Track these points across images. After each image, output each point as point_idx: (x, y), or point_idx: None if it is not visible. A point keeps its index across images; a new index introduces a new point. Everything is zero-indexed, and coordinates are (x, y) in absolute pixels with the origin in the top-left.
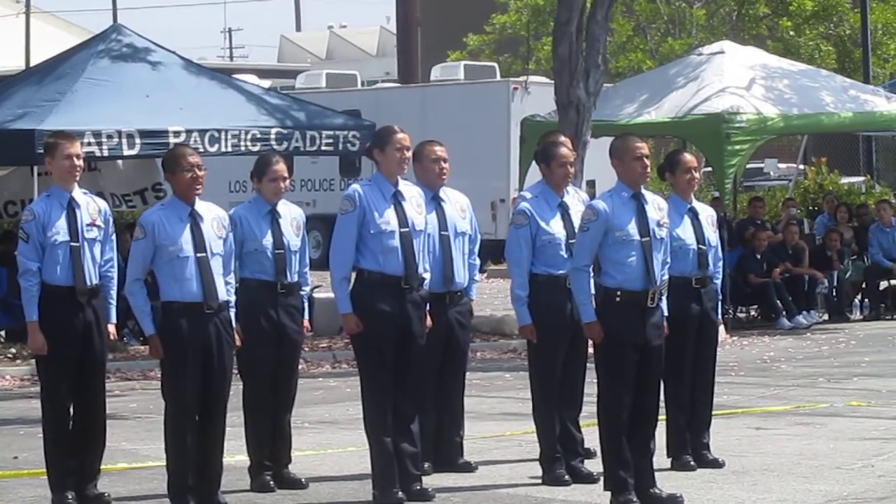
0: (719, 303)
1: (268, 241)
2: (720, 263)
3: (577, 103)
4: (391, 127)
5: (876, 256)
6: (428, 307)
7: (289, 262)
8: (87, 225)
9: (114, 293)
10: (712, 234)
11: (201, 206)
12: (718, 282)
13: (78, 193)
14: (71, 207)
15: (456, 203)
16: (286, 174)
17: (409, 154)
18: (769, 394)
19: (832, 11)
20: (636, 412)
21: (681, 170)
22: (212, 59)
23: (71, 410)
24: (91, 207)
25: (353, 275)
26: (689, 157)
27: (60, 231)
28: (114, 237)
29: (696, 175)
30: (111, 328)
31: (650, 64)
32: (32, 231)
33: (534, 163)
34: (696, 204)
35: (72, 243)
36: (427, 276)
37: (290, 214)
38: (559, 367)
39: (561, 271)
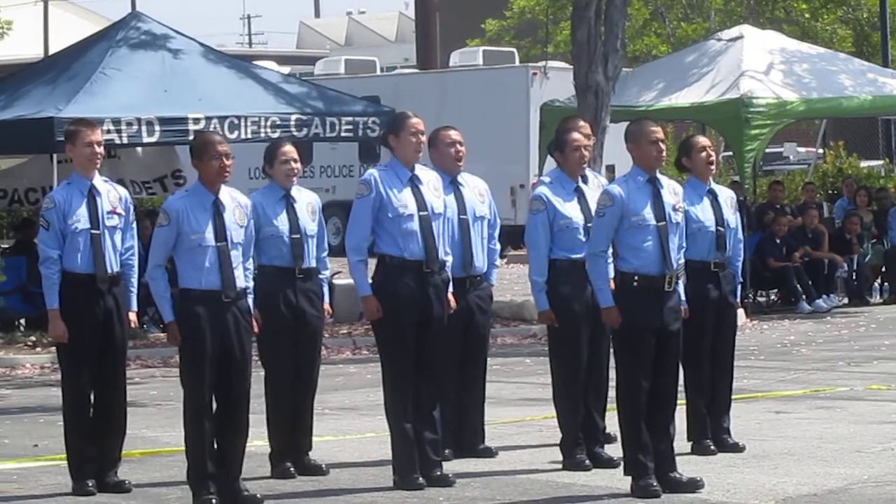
0: (738, 286)
1: (284, 226)
2: (740, 246)
3: (595, 88)
4: (404, 112)
5: (895, 240)
6: (451, 289)
7: (306, 247)
8: (108, 212)
9: (135, 281)
10: (731, 217)
11: (225, 193)
12: (739, 265)
13: (98, 181)
14: (91, 195)
15: (474, 188)
16: (296, 156)
17: (423, 139)
18: (789, 378)
19: None
20: (655, 396)
21: (696, 150)
22: (231, 45)
23: (92, 398)
24: (112, 195)
25: (375, 261)
26: (701, 137)
27: (81, 219)
28: (134, 225)
29: (712, 154)
30: (132, 316)
31: (664, 49)
32: (53, 219)
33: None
34: (716, 186)
35: (92, 231)
36: (448, 259)
37: (305, 199)
38: (582, 351)
39: (580, 255)
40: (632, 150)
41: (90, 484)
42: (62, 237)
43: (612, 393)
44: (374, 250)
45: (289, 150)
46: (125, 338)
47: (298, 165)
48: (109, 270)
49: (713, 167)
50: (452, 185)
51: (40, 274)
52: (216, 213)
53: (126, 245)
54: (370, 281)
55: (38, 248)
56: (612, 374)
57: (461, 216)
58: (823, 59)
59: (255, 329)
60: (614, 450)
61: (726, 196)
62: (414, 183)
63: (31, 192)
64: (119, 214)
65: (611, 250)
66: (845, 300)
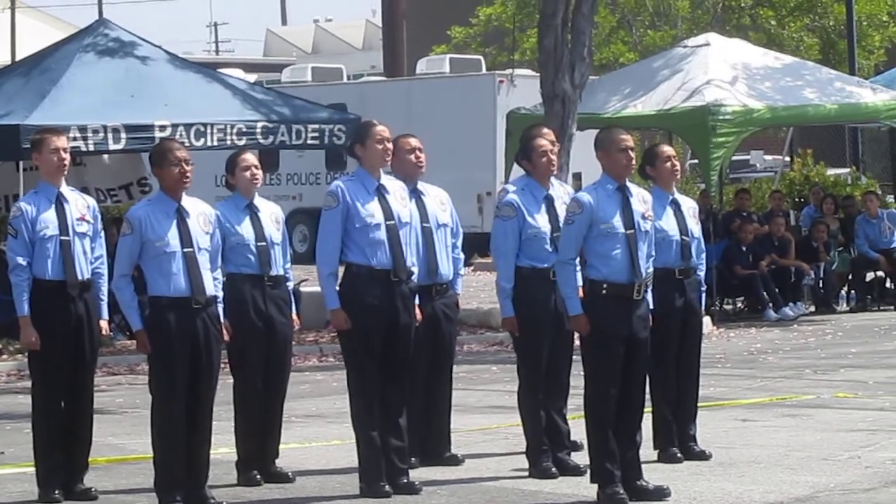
0: (703, 294)
1: (249, 234)
2: (703, 255)
3: (562, 96)
4: (369, 121)
5: (862, 248)
6: (417, 300)
7: (273, 254)
8: (77, 219)
9: (105, 289)
10: (695, 226)
11: (187, 201)
12: (702, 273)
13: (65, 189)
14: (59, 202)
15: (435, 196)
16: (257, 163)
17: (390, 145)
18: (756, 385)
19: (816, 3)
20: (622, 404)
21: (660, 160)
22: (198, 53)
23: (62, 405)
24: (79, 203)
25: (342, 269)
26: (666, 147)
27: (50, 225)
28: (103, 234)
29: (677, 164)
30: (103, 324)
31: (631, 56)
32: (21, 226)
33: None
34: (679, 196)
35: (62, 237)
36: (415, 269)
37: (269, 210)
38: (544, 358)
39: (545, 265)
40: (601, 158)
41: (57, 492)
42: (31, 245)
43: (578, 401)
44: (342, 259)
45: (249, 157)
46: (95, 345)
47: (259, 172)
48: (80, 277)
49: (677, 177)
50: (414, 193)
51: (8, 282)
52: (180, 220)
53: (96, 254)
54: (337, 289)
55: (6, 257)
56: (578, 381)
57: (424, 224)
58: (790, 67)
59: (226, 337)
60: (581, 458)
61: (689, 206)
62: (381, 192)
63: None
64: (88, 222)
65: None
66: (812, 308)
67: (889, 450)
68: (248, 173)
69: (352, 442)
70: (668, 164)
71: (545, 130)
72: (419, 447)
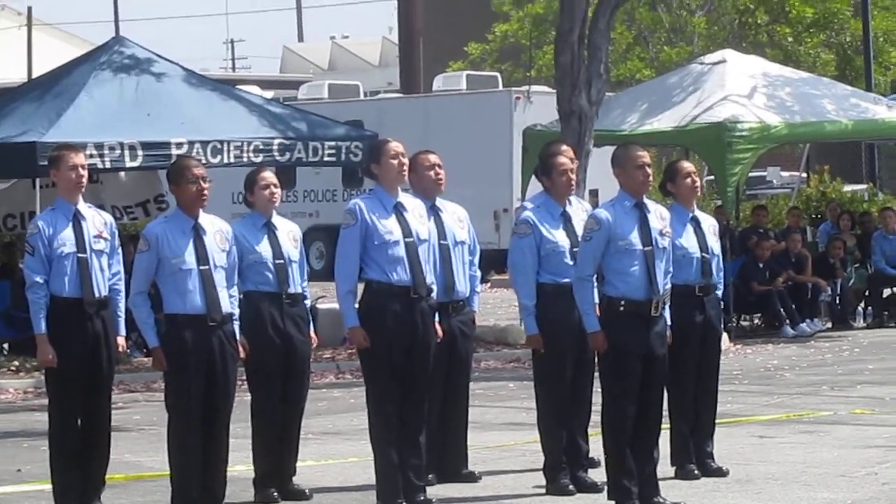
0: (722, 311)
1: (267, 252)
2: (721, 273)
3: (579, 112)
4: (383, 139)
5: (879, 264)
6: (437, 318)
7: (290, 272)
8: (94, 237)
9: (122, 306)
10: (715, 243)
11: (204, 218)
12: (720, 291)
13: (83, 206)
14: (77, 220)
15: (453, 213)
16: (276, 181)
17: (405, 160)
18: (773, 402)
19: (833, 19)
20: (640, 421)
21: (681, 176)
22: (214, 70)
23: (78, 423)
24: (97, 220)
25: (361, 286)
26: (686, 163)
27: (67, 243)
28: (120, 251)
29: (697, 180)
30: (121, 340)
31: (647, 73)
32: (38, 244)
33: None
34: (699, 213)
35: (79, 255)
36: (434, 286)
37: (286, 228)
38: (567, 376)
39: (566, 280)
40: (618, 175)
41: None
42: (48, 262)
43: (596, 417)
44: (361, 276)
45: (268, 175)
46: (113, 363)
47: (279, 191)
48: (97, 294)
49: (697, 193)
50: (432, 210)
51: (24, 298)
52: (196, 237)
53: (113, 270)
54: (357, 306)
55: (24, 274)
56: (597, 398)
57: (441, 241)
58: (806, 83)
59: (242, 355)
60: (598, 474)
61: (709, 224)
62: (398, 210)
63: (10, 218)
64: (105, 239)
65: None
66: (829, 324)
67: None
68: (266, 192)
69: (369, 459)
70: (689, 180)
71: (565, 148)
72: (436, 464)
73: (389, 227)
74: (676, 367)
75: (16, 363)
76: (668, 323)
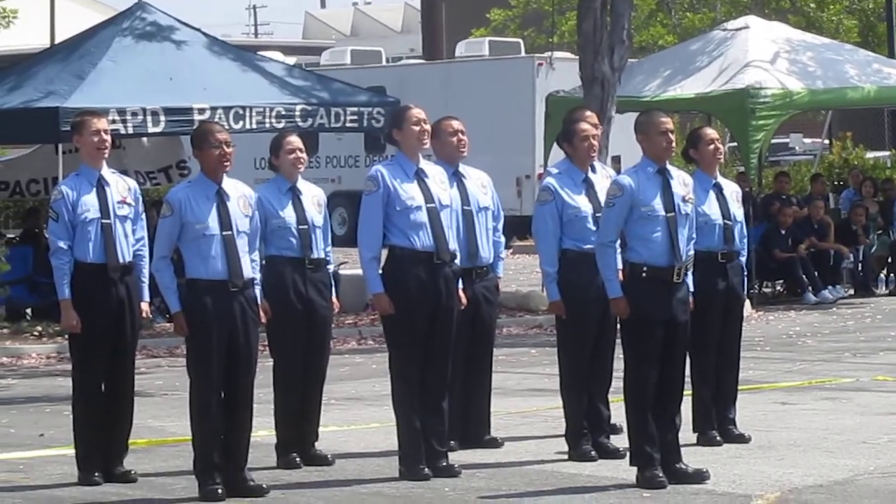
0: (745, 278)
1: (291, 217)
2: (745, 240)
3: (601, 79)
4: (405, 105)
5: None
6: (460, 284)
7: (314, 238)
8: (118, 202)
9: (146, 272)
10: (737, 210)
11: (228, 183)
12: (744, 258)
13: (107, 172)
14: (101, 185)
15: (477, 179)
16: (301, 146)
17: (427, 127)
18: (795, 369)
19: None
20: (662, 387)
21: (703, 143)
22: (236, 36)
23: (102, 388)
24: (120, 186)
25: (385, 252)
26: (709, 130)
27: (91, 208)
28: (144, 216)
29: (720, 147)
30: (144, 306)
31: (670, 39)
32: (62, 209)
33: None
34: (721, 179)
35: (103, 220)
36: (457, 252)
37: (311, 193)
38: (589, 343)
39: (589, 246)
40: (641, 141)
41: (97, 474)
42: (72, 228)
43: (618, 384)
44: (385, 242)
45: (294, 140)
46: (136, 328)
47: (304, 155)
48: (121, 260)
49: (720, 160)
50: (455, 176)
51: (47, 264)
52: (220, 202)
53: (137, 236)
54: (380, 272)
55: (48, 240)
56: (618, 364)
57: (465, 207)
58: (829, 49)
59: (263, 319)
60: (620, 440)
61: (732, 190)
62: (420, 176)
63: (33, 183)
64: (129, 204)
65: (619, 241)
66: (851, 291)
67: None
68: (292, 156)
69: (391, 424)
70: (712, 146)
71: (588, 114)
72: (458, 430)
73: (411, 192)
74: (698, 334)
75: (39, 328)
76: (691, 289)
